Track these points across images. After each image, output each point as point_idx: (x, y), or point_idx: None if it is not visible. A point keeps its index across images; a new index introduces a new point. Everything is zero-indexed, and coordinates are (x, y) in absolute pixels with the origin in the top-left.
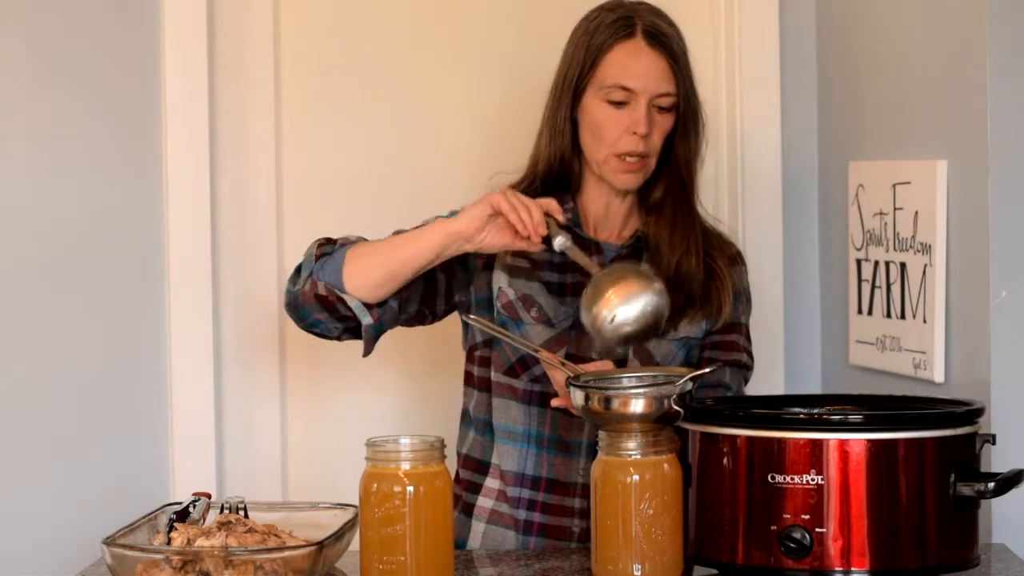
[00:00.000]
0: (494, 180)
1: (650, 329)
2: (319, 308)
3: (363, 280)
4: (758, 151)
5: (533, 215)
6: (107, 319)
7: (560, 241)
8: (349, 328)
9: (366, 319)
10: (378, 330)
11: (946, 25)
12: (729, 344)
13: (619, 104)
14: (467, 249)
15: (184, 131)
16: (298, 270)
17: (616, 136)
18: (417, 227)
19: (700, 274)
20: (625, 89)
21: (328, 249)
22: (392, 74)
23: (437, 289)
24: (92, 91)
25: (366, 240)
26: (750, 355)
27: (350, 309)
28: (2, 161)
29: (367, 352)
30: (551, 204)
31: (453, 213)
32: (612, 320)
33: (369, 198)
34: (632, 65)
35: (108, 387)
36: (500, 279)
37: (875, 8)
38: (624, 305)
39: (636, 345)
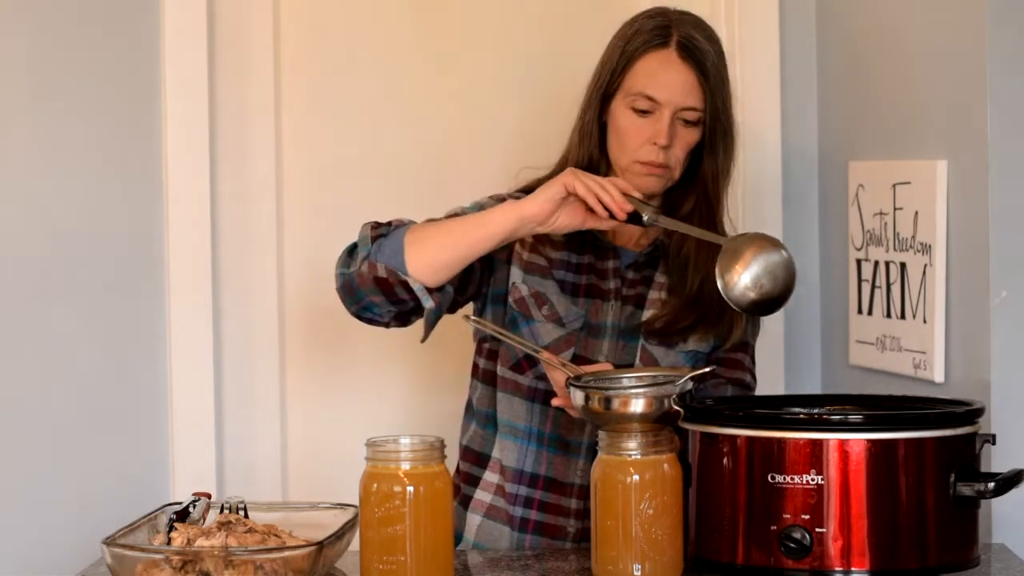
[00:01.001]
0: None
1: (783, 292)
2: (376, 291)
3: (426, 262)
4: (758, 151)
5: (613, 195)
6: (107, 319)
7: (650, 217)
8: (400, 313)
9: (428, 303)
10: (437, 315)
11: (946, 25)
12: (734, 362)
13: (643, 113)
14: (539, 231)
15: (184, 131)
16: (350, 252)
17: (637, 144)
18: (460, 207)
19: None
20: (650, 99)
21: (384, 231)
22: (392, 74)
23: (472, 278)
24: (92, 91)
25: (418, 223)
26: (753, 376)
27: (409, 292)
28: (2, 161)
29: (426, 337)
30: (619, 182)
31: (477, 204)
32: (742, 285)
33: (369, 198)
34: (660, 75)
35: (108, 387)
36: (515, 274)
37: (875, 8)
38: (752, 270)
39: (770, 312)
